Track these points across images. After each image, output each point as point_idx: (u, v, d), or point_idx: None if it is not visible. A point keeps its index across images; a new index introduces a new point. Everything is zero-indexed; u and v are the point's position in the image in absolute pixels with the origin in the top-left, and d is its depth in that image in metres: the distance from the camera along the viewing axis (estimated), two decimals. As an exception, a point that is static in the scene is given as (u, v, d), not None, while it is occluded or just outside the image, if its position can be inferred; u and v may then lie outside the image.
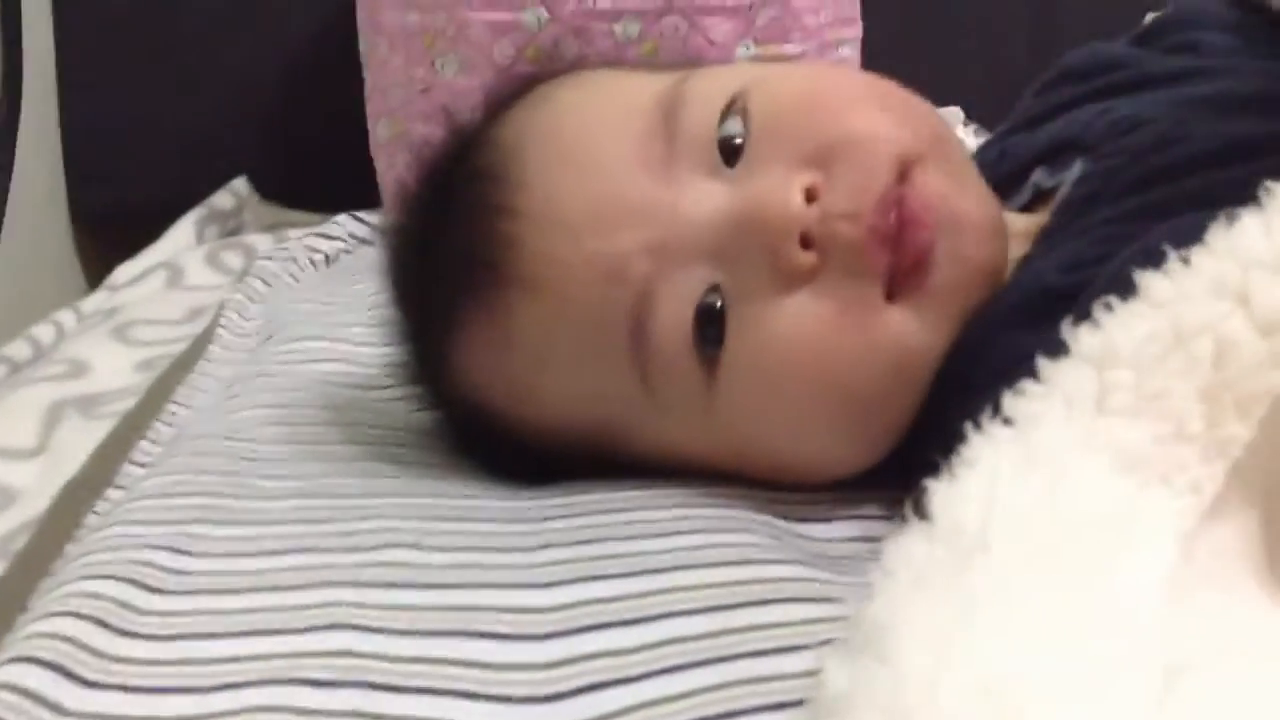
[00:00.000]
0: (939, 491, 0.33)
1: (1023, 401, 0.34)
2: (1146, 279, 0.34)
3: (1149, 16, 0.63)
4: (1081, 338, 0.34)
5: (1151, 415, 0.33)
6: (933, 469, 0.34)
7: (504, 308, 0.50)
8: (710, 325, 0.47)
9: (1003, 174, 0.58)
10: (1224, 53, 0.56)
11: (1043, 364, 0.35)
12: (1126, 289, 0.35)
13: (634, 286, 0.47)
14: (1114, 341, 0.34)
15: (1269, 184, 0.35)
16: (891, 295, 0.47)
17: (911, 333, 0.47)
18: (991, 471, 0.33)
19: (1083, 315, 0.36)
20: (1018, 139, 0.60)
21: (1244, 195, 0.44)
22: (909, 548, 0.32)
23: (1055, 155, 0.55)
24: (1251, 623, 0.33)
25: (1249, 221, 0.34)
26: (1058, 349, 0.35)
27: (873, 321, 0.47)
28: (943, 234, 0.47)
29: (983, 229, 0.48)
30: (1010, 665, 0.28)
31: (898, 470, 0.49)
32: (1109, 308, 0.34)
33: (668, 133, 0.49)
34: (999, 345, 0.45)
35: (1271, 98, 0.50)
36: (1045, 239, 0.49)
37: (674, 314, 0.47)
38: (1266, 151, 0.46)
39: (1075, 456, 0.33)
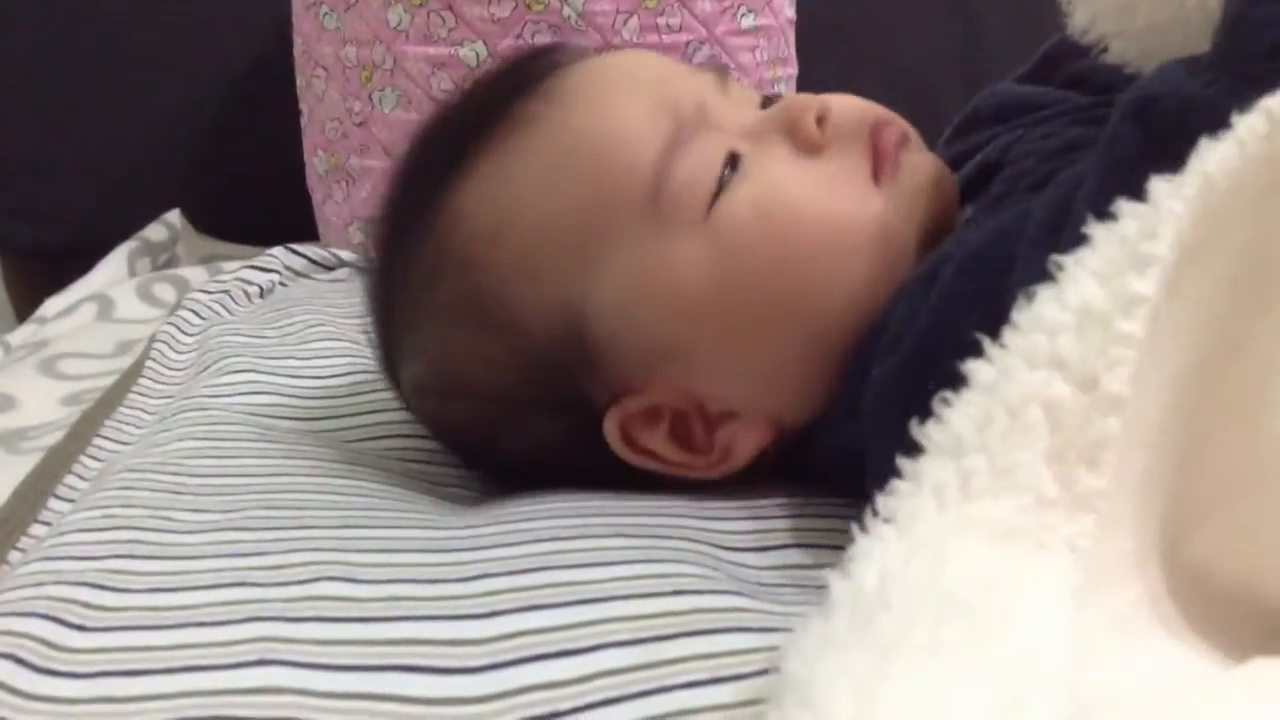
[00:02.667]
0: (834, 581, 0.34)
1: (895, 501, 0.35)
2: (970, 368, 0.36)
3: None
4: (931, 434, 0.36)
5: (1009, 490, 0.34)
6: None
7: (528, 118, 0.55)
8: (730, 167, 0.54)
9: None
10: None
11: (903, 464, 0.36)
12: (955, 382, 0.36)
13: (681, 120, 0.54)
14: (958, 432, 0.35)
15: (1056, 259, 0.36)
16: (877, 180, 0.54)
17: (891, 212, 0.53)
18: (881, 562, 0.34)
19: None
20: None
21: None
22: (810, 623, 0.33)
23: (980, 185, 0.58)
24: (1159, 666, 0.34)
25: (1045, 295, 0.36)
26: (912, 448, 0.36)
27: (863, 193, 0.54)
28: (909, 150, 0.56)
29: (944, 174, 0.57)
30: (933, 707, 0.29)
31: (829, 482, 0.52)
32: (945, 402, 0.36)
33: (718, 86, 0.57)
34: (931, 308, 0.48)
35: None
36: (965, 226, 0.54)
37: (706, 150, 0.53)
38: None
39: (952, 541, 0.34)
